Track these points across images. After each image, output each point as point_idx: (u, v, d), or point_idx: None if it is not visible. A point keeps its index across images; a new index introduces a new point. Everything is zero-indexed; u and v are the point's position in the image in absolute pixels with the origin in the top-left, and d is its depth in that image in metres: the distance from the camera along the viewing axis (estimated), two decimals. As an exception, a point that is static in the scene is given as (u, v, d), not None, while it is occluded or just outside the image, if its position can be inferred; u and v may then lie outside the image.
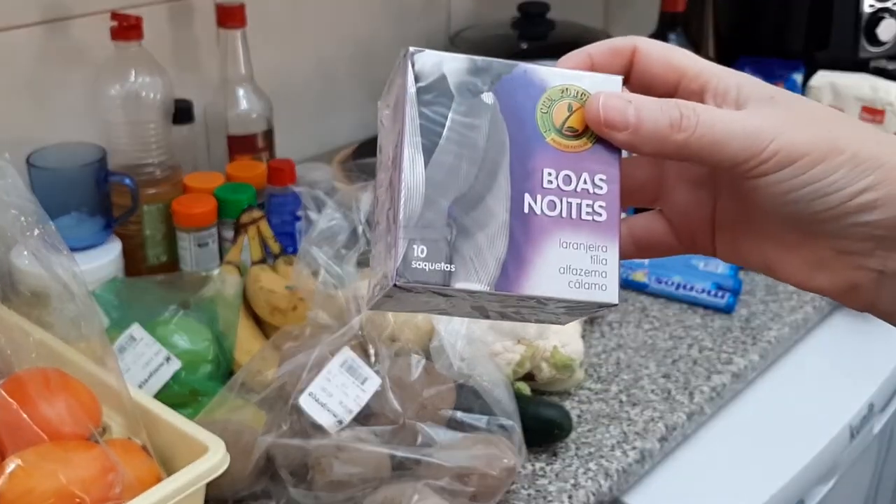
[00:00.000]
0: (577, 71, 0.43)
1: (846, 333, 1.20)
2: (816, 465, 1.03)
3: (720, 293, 1.16)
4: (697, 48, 1.52)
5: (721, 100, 0.42)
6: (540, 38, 1.49)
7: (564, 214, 0.42)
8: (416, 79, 0.42)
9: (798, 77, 1.49)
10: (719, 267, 1.20)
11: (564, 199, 0.42)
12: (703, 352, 1.08)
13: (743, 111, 0.41)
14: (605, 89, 0.43)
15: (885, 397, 1.18)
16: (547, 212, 0.42)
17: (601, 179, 0.42)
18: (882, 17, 1.45)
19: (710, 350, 1.08)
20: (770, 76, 1.50)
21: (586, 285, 0.41)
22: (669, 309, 1.16)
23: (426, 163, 0.41)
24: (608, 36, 1.54)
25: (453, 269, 0.40)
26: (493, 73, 0.42)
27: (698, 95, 0.43)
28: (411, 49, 0.42)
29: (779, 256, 0.44)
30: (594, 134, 0.43)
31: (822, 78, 1.39)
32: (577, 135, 0.43)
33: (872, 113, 1.33)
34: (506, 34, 1.51)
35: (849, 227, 0.41)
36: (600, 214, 0.42)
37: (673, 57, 0.44)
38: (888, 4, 1.46)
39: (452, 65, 0.42)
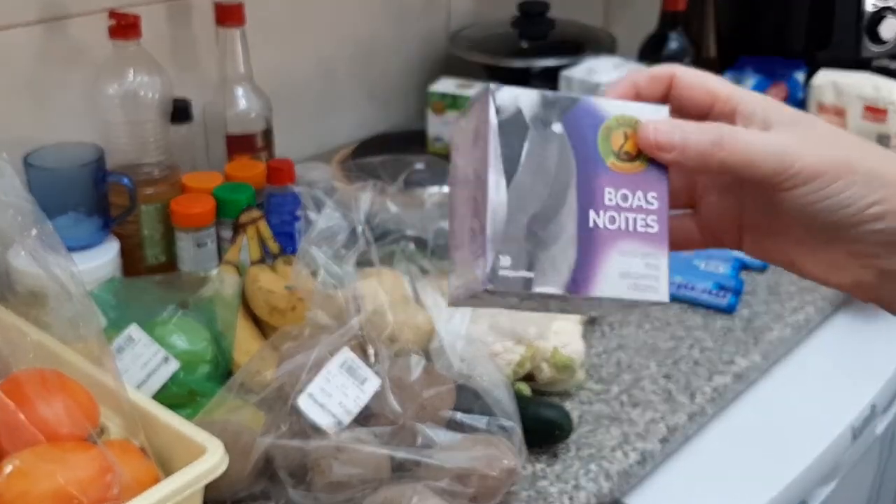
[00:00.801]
0: (630, 102, 0.51)
1: (848, 334, 1.20)
2: (818, 466, 1.03)
3: (722, 293, 1.15)
4: (698, 48, 1.52)
5: (748, 121, 0.49)
6: (540, 37, 1.49)
7: (623, 227, 0.50)
8: (497, 112, 0.49)
9: (800, 76, 1.49)
10: (720, 267, 1.20)
11: (622, 215, 0.50)
12: (704, 352, 1.08)
13: (771, 132, 0.49)
14: (654, 117, 0.50)
15: (888, 398, 1.18)
16: (608, 226, 0.50)
17: (653, 197, 0.50)
18: (884, 16, 1.45)
19: (711, 351, 1.08)
20: (771, 75, 1.50)
21: (642, 287, 0.50)
22: (670, 309, 1.16)
23: (508, 185, 0.49)
24: (608, 35, 1.56)
25: (533, 276, 0.48)
26: (560, 106, 0.50)
27: (729, 117, 0.50)
28: (492, 86, 0.50)
29: (800, 256, 0.52)
30: (646, 157, 0.50)
31: (824, 77, 1.39)
32: (631, 158, 0.50)
33: (875, 112, 1.33)
34: (506, 33, 1.51)
35: (861, 234, 0.48)
36: (653, 227, 0.50)
37: (707, 82, 0.51)
38: (890, 3, 1.46)
39: (526, 99, 0.50)
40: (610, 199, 0.50)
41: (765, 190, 0.49)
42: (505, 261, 0.48)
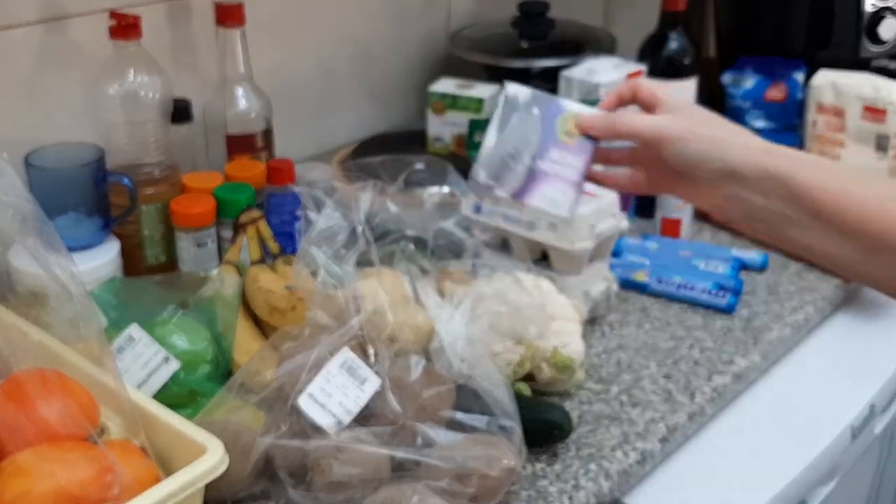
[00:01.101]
0: (580, 104, 0.87)
1: (847, 334, 1.20)
2: (817, 465, 1.03)
3: (721, 293, 1.15)
4: (698, 48, 1.52)
5: (660, 110, 0.84)
6: (540, 37, 1.49)
7: (554, 172, 0.85)
8: (505, 98, 0.87)
9: (799, 76, 1.49)
10: (720, 267, 1.20)
11: (556, 166, 0.85)
12: (704, 352, 1.08)
13: (657, 116, 0.83)
14: (589, 113, 0.87)
15: (887, 398, 1.18)
16: (547, 170, 0.86)
17: (577, 160, 0.86)
18: (883, 16, 1.45)
19: (711, 350, 1.08)
20: (771, 75, 1.50)
21: (553, 206, 0.86)
22: (670, 309, 1.16)
23: (497, 136, 0.87)
24: (608, 35, 1.57)
25: (495, 185, 0.86)
26: (541, 100, 0.87)
27: (658, 109, 0.84)
28: (507, 83, 0.88)
29: (681, 189, 0.84)
30: (581, 136, 0.86)
31: (823, 77, 1.39)
32: (572, 136, 0.86)
33: (874, 112, 1.33)
34: (506, 33, 1.51)
35: (711, 175, 0.79)
36: (572, 176, 0.86)
37: (650, 89, 0.85)
38: (890, 3, 1.45)
39: (523, 93, 0.87)
40: (553, 156, 0.85)
41: (654, 150, 0.82)
42: (483, 174, 0.87)
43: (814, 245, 0.75)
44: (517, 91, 0.86)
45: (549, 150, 0.85)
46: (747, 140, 0.79)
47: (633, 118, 0.83)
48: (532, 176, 0.85)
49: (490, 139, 0.86)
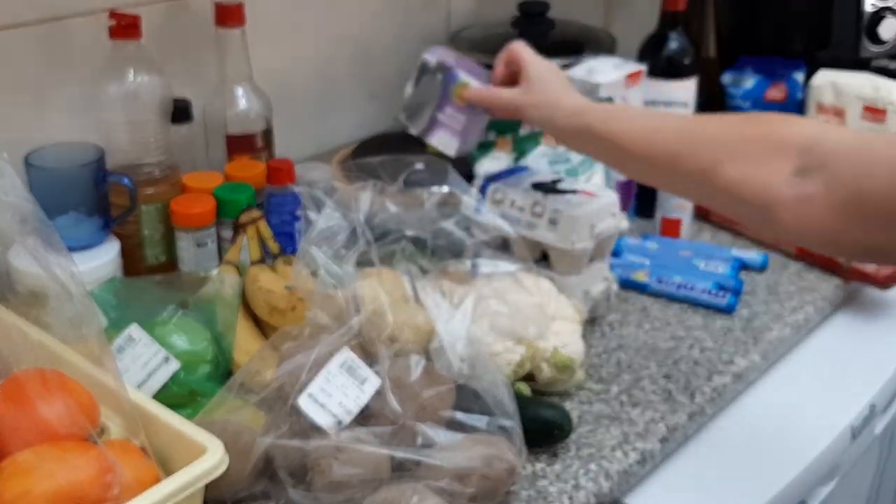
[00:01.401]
0: (470, 77, 1.10)
1: (847, 334, 1.20)
2: (818, 466, 1.03)
3: (721, 293, 1.15)
4: (698, 48, 1.52)
5: (521, 80, 1.06)
6: (540, 37, 1.49)
7: (446, 123, 1.11)
8: (421, 62, 1.14)
9: (799, 76, 1.49)
10: (720, 267, 1.20)
11: (449, 117, 1.10)
12: (704, 352, 1.08)
13: (515, 89, 1.06)
14: (475, 83, 1.10)
15: (887, 398, 1.18)
16: (443, 120, 1.11)
17: (463, 116, 1.10)
18: (883, 16, 1.45)
19: (711, 350, 1.08)
20: (771, 75, 1.50)
21: (444, 147, 1.12)
22: (670, 309, 1.16)
23: (413, 90, 1.14)
24: (608, 35, 1.57)
25: (410, 124, 1.14)
26: (445, 70, 1.11)
27: (520, 77, 1.07)
28: (427, 56, 1.14)
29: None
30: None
31: (823, 77, 1.39)
32: (461, 98, 1.09)
33: (874, 112, 1.33)
34: (506, 33, 1.50)
35: (552, 133, 1.06)
36: (458, 126, 1.10)
37: (519, 58, 1.07)
38: (890, 3, 1.45)
39: (433, 61, 1.12)
40: (447, 112, 1.10)
41: (515, 113, 1.07)
42: (403, 116, 1.15)
43: (632, 176, 1.10)
44: (430, 58, 1.12)
45: (445, 106, 1.10)
46: (568, 105, 1.01)
47: (494, 93, 1.07)
48: (433, 122, 1.11)
49: (408, 90, 1.14)
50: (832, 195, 0.78)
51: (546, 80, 1.04)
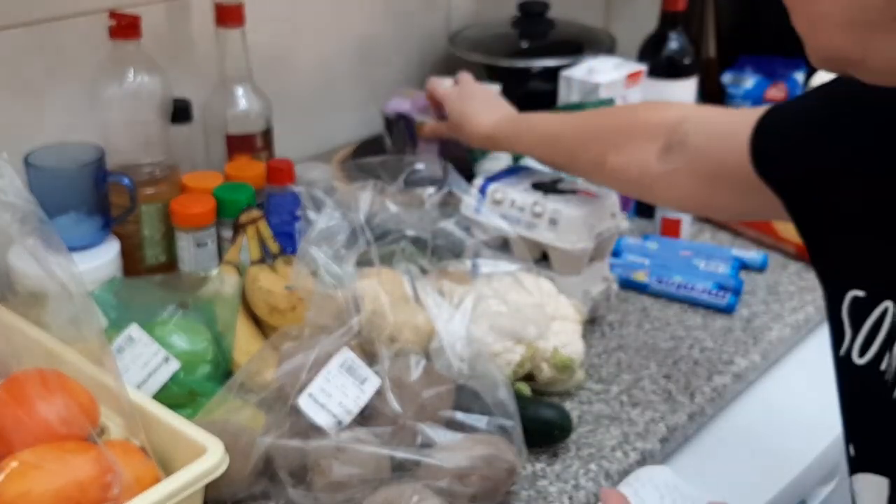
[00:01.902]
0: (424, 116, 1.28)
1: (847, 334, 1.20)
2: (818, 465, 1.03)
3: (721, 293, 1.15)
4: (698, 48, 1.52)
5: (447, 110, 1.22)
6: (540, 37, 1.49)
7: (425, 150, 1.27)
8: (385, 118, 1.34)
9: (799, 76, 1.49)
10: (720, 267, 1.20)
11: (424, 146, 1.28)
12: (704, 352, 1.08)
13: (445, 124, 1.22)
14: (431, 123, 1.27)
15: (887, 398, 1.18)
16: (421, 148, 1.28)
17: (433, 143, 1.27)
18: (883, 17, 1.45)
19: (711, 350, 1.08)
20: (771, 75, 1.50)
21: (433, 171, 1.14)
22: (670, 309, 1.16)
23: (390, 140, 1.33)
24: (608, 35, 1.57)
25: (401, 150, 1.29)
26: (403, 118, 1.30)
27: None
28: (385, 108, 1.36)
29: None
30: None
31: (823, 77, 1.39)
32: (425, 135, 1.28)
33: (874, 112, 1.32)
34: (506, 33, 1.51)
35: (467, 141, 1.19)
36: (432, 153, 1.26)
37: (438, 96, 1.24)
38: (889, 3, 1.45)
39: (393, 116, 1.33)
40: (421, 146, 1.27)
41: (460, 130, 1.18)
42: (390, 144, 1.34)
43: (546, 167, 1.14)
44: (389, 112, 1.31)
45: (418, 143, 1.27)
46: (479, 130, 1.14)
47: (438, 127, 1.23)
48: (416, 149, 1.28)
49: (387, 142, 1.32)
50: (693, 165, 0.89)
51: (457, 112, 1.17)
